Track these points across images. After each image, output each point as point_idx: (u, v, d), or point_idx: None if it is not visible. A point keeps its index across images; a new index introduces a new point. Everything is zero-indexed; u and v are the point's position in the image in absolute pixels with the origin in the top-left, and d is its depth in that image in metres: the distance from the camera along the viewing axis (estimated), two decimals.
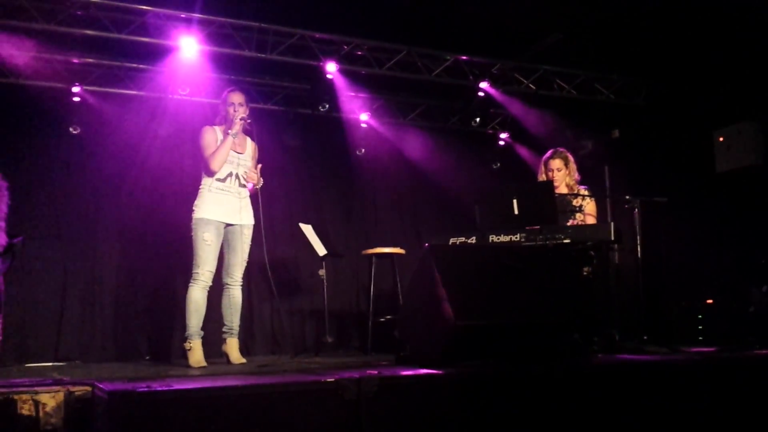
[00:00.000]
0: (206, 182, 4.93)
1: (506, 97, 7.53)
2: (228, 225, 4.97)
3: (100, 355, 6.41)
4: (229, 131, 4.90)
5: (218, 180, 4.92)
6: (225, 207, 4.92)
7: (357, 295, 7.71)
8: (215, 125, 5.04)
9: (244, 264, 5.06)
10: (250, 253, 5.12)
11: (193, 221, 4.88)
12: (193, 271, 4.82)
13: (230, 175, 4.97)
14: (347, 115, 7.76)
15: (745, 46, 6.39)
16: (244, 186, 5.06)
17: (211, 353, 5.42)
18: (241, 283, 5.07)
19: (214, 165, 4.85)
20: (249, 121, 4.99)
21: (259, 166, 5.06)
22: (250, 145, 5.13)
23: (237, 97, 5.03)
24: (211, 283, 4.85)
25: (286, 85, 7.34)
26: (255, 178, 4.99)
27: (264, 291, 7.11)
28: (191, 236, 4.88)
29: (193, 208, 4.91)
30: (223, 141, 4.89)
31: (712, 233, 6.60)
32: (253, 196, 5.10)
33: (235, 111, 4.96)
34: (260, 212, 5.05)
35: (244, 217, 5.02)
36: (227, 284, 5.03)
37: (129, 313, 6.64)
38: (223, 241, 4.99)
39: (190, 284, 4.82)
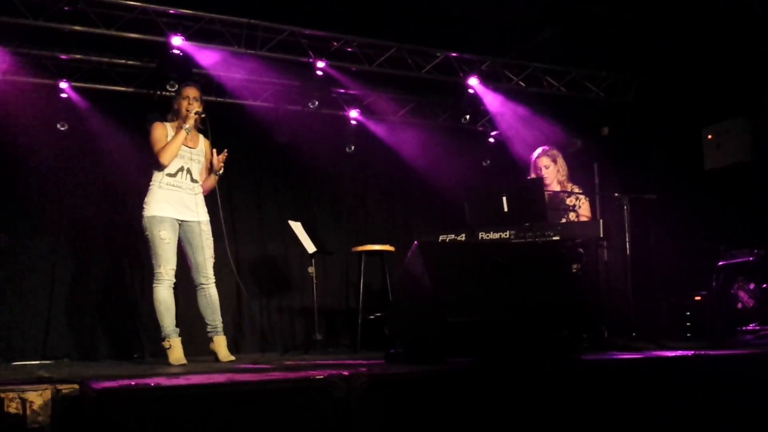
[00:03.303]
0: (156, 178, 4.81)
1: (492, 95, 7.52)
2: (183, 222, 4.85)
3: (88, 354, 6.39)
4: (183, 125, 4.79)
5: (168, 175, 4.80)
6: (177, 204, 4.80)
7: (347, 293, 7.71)
8: (166, 122, 4.93)
9: (212, 260, 4.95)
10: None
11: (145, 219, 4.74)
12: (156, 271, 4.71)
13: (181, 169, 4.85)
14: (337, 112, 7.75)
15: (734, 44, 6.41)
16: (196, 181, 4.94)
17: (200, 351, 5.40)
18: (214, 280, 4.97)
19: (164, 158, 4.73)
20: (204, 115, 4.87)
21: (224, 152, 4.92)
22: (202, 141, 5.02)
23: (191, 91, 4.91)
24: (174, 280, 4.76)
25: (275, 81, 7.33)
26: (217, 165, 4.88)
27: (253, 289, 7.10)
28: (146, 236, 4.76)
29: (143, 205, 4.79)
30: (175, 134, 4.79)
31: (700, 230, 6.62)
32: (211, 191, 5.01)
33: (189, 105, 4.85)
34: (219, 204, 4.92)
35: (199, 213, 4.91)
36: (201, 284, 4.91)
37: (117, 311, 6.61)
38: (183, 241, 4.88)
39: (155, 285, 4.71)
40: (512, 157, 8.03)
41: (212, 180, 5.01)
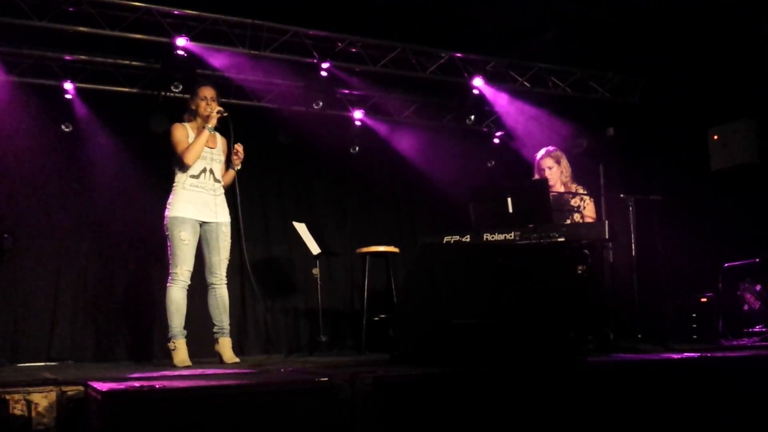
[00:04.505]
0: (180, 179, 4.85)
1: (498, 95, 7.51)
2: (204, 223, 4.89)
3: (92, 355, 6.39)
4: (206, 125, 4.83)
5: (192, 177, 4.84)
6: (200, 205, 4.84)
7: (351, 294, 7.70)
8: (184, 122, 4.97)
9: (226, 262, 4.98)
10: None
11: (167, 220, 4.79)
12: (172, 271, 4.75)
13: (204, 170, 4.89)
14: (341, 113, 7.74)
15: (739, 45, 6.39)
16: (219, 181, 4.98)
17: (204, 353, 5.40)
18: (226, 281, 5.00)
19: (188, 159, 4.77)
20: (226, 114, 4.89)
21: (237, 146, 4.93)
22: (220, 140, 5.06)
23: (209, 92, 4.95)
24: (190, 282, 4.79)
25: (280, 82, 7.32)
26: (238, 161, 4.92)
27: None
28: (166, 235, 4.80)
29: (167, 206, 4.83)
30: (198, 135, 4.83)
31: (706, 231, 6.60)
32: (230, 188, 5.04)
33: (207, 105, 4.89)
34: (238, 203, 4.92)
35: (220, 214, 4.94)
36: (212, 284, 4.94)
37: (122, 313, 6.61)
38: (201, 241, 4.91)
39: (169, 284, 4.75)
40: (517, 157, 8.02)
41: (230, 175, 5.04)
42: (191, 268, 4.80)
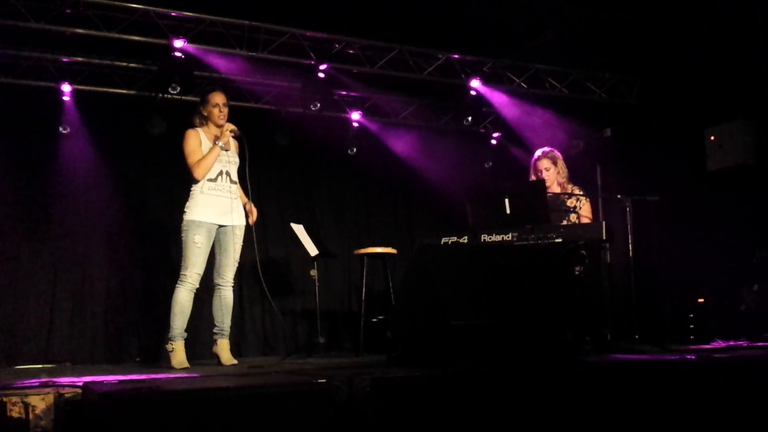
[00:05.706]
0: (198, 184, 4.89)
1: (497, 95, 7.51)
2: (220, 226, 4.93)
3: (90, 357, 6.38)
4: (218, 142, 4.86)
5: (209, 180, 4.87)
6: (217, 208, 4.87)
7: (349, 296, 7.70)
8: (196, 127, 4.99)
9: (236, 265, 5.01)
10: (242, 254, 5.10)
11: (184, 222, 4.82)
12: (181, 273, 4.77)
13: (221, 173, 4.92)
14: (339, 114, 7.74)
15: (736, 45, 6.40)
16: (235, 182, 5.02)
17: (203, 354, 5.40)
18: (233, 284, 5.03)
19: (198, 174, 4.81)
20: (239, 134, 4.94)
21: (252, 209, 5.10)
22: (233, 143, 5.10)
23: (221, 98, 4.97)
24: (198, 286, 4.81)
25: (277, 83, 7.32)
26: (253, 217, 5.06)
27: (256, 292, 7.09)
28: (181, 237, 4.84)
29: (185, 209, 4.86)
30: (211, 149, 4.86)
31: (703, 232, 6.61)
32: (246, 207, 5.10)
33: (220, 112, 4.92)
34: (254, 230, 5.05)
35: (235, 217, 4.98)
36: (218, 285, 4.98)
37: (119, 314, 6.61)
38: (214, 242, 4.95)
39: (177, 285, 4.77)
40: (514, 158, 8.02)
41: None
42: (201, 272, 4.81)
